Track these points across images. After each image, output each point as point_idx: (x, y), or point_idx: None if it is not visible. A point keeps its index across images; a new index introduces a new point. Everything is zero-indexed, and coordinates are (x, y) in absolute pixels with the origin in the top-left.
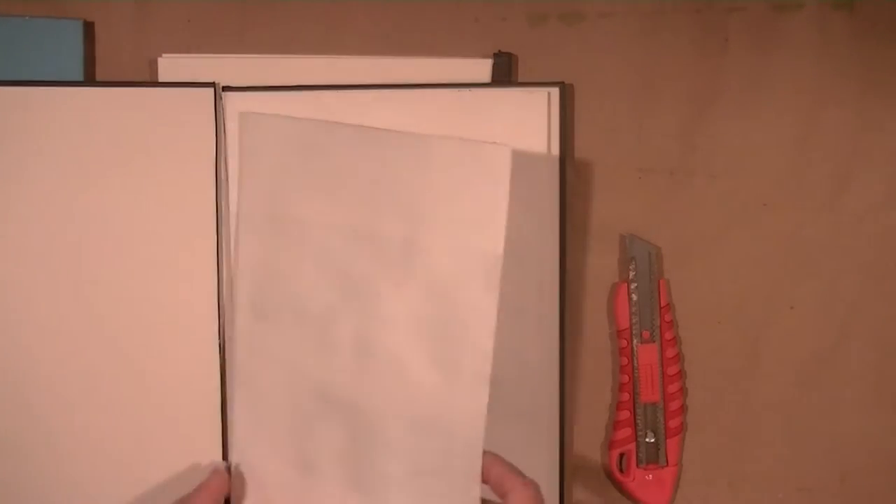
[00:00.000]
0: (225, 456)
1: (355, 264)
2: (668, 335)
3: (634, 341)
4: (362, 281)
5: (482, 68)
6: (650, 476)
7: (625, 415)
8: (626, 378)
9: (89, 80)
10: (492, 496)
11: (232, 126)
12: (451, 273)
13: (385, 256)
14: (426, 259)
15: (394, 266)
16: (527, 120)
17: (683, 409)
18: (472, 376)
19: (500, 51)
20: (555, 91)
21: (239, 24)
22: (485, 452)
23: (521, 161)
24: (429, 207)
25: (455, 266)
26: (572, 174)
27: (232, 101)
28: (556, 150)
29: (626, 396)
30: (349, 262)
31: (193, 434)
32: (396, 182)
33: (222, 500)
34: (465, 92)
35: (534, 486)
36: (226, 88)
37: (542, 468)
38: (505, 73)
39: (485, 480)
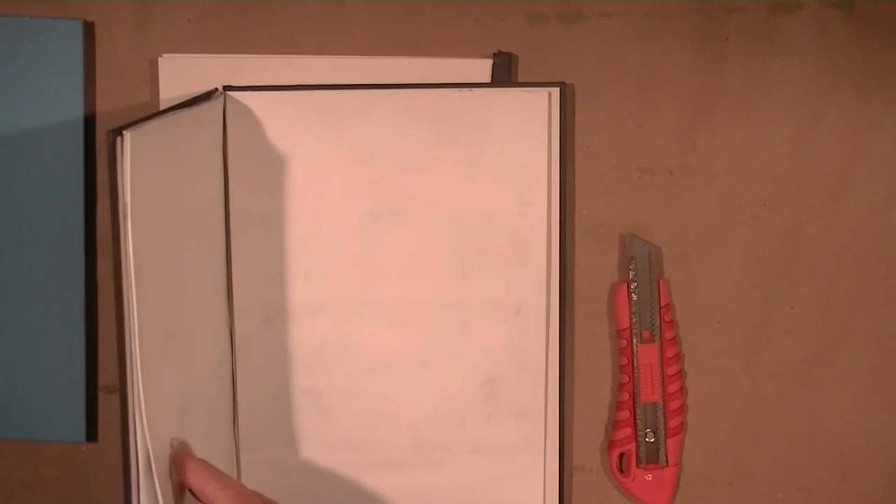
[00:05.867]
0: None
1: None
2: (668, 335)
3: (634, 341)
4: None
5: (482, 68)
6: (650, 476)
7: (625, 415)
8: (626, 378)
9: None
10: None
11: (233, 125)
12: None
13: None
14: None
15: None
16: (527, 120)
17: (683, 409)
18: None
19: (500, 51)
20: (555, 91)
21: (239, 24)
22: (189, 458)
23: (522, 161)
24: None
25: None
26: (572, 174)
27: (232, 100)
28: (556, 150)
29: (626, 396)
30: None
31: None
32: None
33: None
34: (465, 92)
35: (235, 490)
36: (226, 88)
37: (542, 468)
38: (505, 73)
39: (189, 488)
